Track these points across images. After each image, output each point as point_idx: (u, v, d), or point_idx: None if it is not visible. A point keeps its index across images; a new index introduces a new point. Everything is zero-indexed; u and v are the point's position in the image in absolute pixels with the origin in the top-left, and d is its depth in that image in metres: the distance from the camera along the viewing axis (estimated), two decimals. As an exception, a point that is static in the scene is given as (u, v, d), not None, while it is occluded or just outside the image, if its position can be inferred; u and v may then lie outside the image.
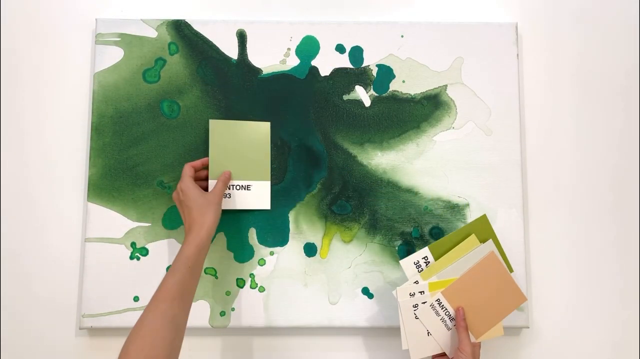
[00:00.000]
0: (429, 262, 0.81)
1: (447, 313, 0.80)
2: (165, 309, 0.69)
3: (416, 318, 0.80)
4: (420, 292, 0.80)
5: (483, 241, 0.82)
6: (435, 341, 0.80)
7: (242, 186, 0.89)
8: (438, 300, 0.80)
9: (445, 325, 0.80)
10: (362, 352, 0.89)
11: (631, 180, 0.94)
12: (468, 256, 0.81)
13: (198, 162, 0.86)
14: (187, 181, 0.82)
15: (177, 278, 0.72)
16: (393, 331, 0.89)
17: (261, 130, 0.90)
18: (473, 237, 0.81)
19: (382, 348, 0.89)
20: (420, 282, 0.80)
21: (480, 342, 0.80)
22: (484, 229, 0.82)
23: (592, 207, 0.93)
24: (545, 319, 0.91)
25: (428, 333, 0.80)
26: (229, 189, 0.88)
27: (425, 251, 0.81)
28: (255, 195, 0.89)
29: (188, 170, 0.84)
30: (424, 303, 0.80)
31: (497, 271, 0.80)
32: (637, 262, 0.92)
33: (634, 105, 0.95)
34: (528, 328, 0.88)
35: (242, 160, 0.89)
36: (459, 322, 0.79)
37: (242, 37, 0.93)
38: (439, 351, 0.81)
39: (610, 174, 0.94)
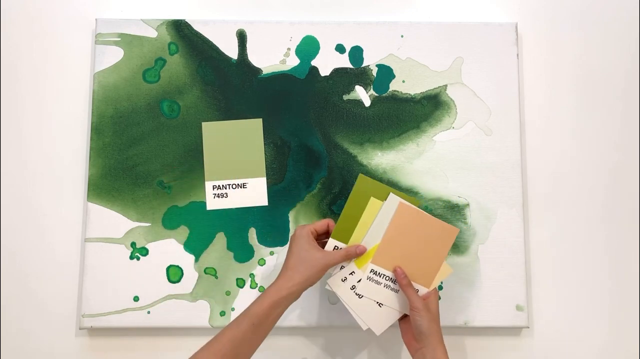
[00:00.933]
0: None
1: (387, 278, 0.79)
2: None
3: (359, 297, 0.78)
4: (351, 273, 0.79)
5: (383, 198, 0.79)
6: (389, 307, 0.79)
7: (238, 184, 0.89)
8: (372, 270, 0.78)
9: (391, 289, 0.79)
10: (362, 352, 0.89)
11: (631, 180, 0.94)
12: (379, 218, 0.78)
13: (332, 224, 0.79)
14: (305, 228, 0.76)
15: (235, 333, 0.68)
16: (393, 331, 0.88)
17: (253, 127, 0.90)
18: (373, 200, 0.79)
19: (382, 347, 0.89)
20: (346, 265, 0.79)
21: (434, 293, 0.78)
22: (373, 188, 0.79)
23: (592, 207, 0.93)
24: (545, 319, 0.90)
25: (379, 304, 0.79)
26: (226, 188, 0.88)
27: (370, 266, 0.79)
28: (252, 192, 0.89)
29: (321, 224, 0.77)
30: (359, 281, 0.78)
31: (414, 217, 0.78)
32: (637, 262, 0.92)
33: (633, 105, 0.95)
34: (528, 328, 0.88)
35: (237, 159, 0.89)
36: (400, 281, 0.77)
37: (242, 37, 0.93)
38: (398, 316, 0.79)
39: (610, 174, 0.94)
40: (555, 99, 0.95)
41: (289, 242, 0.78)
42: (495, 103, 0.92)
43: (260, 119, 0.91)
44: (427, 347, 0.74)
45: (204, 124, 0.90)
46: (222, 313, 0.87)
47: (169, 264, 0.88)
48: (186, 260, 0.88)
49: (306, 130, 0.91)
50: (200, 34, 0.93)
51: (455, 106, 0.92)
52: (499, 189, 0.90)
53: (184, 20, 0.93)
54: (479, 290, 0.88)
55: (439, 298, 0.78)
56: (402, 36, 0.93)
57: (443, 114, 0.92)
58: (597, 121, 0.95)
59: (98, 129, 0.90)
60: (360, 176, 0.80)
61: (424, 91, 0.92)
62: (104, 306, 0.86)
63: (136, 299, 0.87)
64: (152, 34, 0.92)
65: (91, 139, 0.90)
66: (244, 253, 0.88)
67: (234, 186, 0.89)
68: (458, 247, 0.89)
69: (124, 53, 0.92)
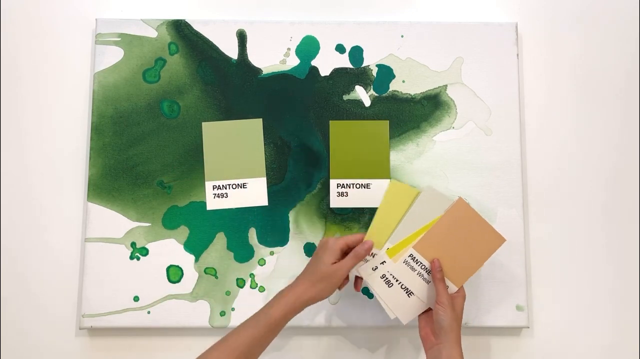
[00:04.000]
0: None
1: (423, 266, 0.79)
2: None
3: (389, 286, 0.79)
4: (382, 262, 0.80)
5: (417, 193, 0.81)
6: (418, 298, 0.79)
7: (238, 184, 0.89)
8: (411, 255, 0.79)
9: (424, 279, 0.80)
10: (362, 352, 0.89)
11: (631, 180, 0.94)
12: (413, 210, 0.80)
13: (370, 244, 0.79)
14: (336, 243, 0.76)
15: (254, 333, 0.70)
16: (393, 331, 0.89)
17: (253, 127, 0.90)
18: (407, 189, 0.81)
19: (382, 348, 0.89)
20: (377, 253, 0.80)
21: (462, 294, 0.78)
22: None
23: (592, 207, 0.93)
24: (545, 319, 0.90)
25: (408, 293, 0.79)
26: (226, 188, 0.88)
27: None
28: (252, 192, 0.89)
29: (352, 236, 0.78)
30: (389, 272, 0.79)
31: (468, 216, 0.79)
32: (637, 262, 0.92)
33: (633, 105, 0.95)
34: (528, 328, 0.88)
35: (237, 158, 0.90)
36: (434, 274, 0.78)
37: (242, 37, 0.93)
38: (424, 308, 0.80)
39: (610, 173, 0.94)
40: (555, 99, 0.95)
41: (318, 247, 0.78)
42: (495, 103, 0.92)
43: (260, 119, 0.91)
44: (444, 344, 0.74)
45: (204, 124, 0.90)
46: (222, 313, 0.87)
47: (169, 264, 0.88)
48: (186, 260, 0.88)
49: (306, 130, 0.91)
50: (200, 34, 0.93)
51: (455, 106, 0.92)
52: (499, 189, 0.90)
53: (184, 20, 0.93)
54: (479, 290, 0.88)
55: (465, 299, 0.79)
56: (402, 36, 0.93)
57: (443, 114, 0.92)
58: (597, 121, 0.95)
59: (98, 129, 0.90)
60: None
61: (424, 91, 0.92)
62: (104, 306, 0.86)
63: (136, 299, 0.87)
64: (152, 34, 0.92)
65: (91, 139, 0.90)
66: (244, 253, 0.88)
67: (234, 186, 0.89)
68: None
69: (124, 53, 0.92)
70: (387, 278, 0.79)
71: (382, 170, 0.90)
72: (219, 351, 0.69)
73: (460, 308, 0.77)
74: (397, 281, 0.79)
